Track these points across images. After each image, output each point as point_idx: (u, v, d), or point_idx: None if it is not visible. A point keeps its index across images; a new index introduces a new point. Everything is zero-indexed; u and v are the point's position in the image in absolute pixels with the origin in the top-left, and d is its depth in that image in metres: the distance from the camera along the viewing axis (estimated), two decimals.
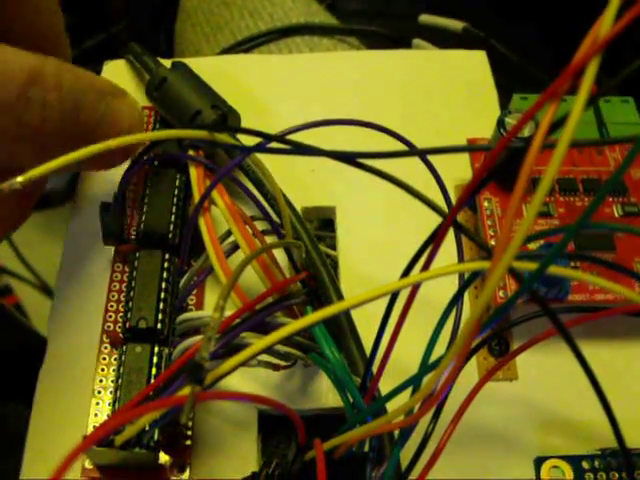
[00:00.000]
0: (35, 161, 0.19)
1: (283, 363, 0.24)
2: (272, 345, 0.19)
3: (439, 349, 0.21)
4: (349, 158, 0.19)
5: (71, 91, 0.22)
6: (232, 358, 0.19)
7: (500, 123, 0.26)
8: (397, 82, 0.32)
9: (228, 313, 0.22)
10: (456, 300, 0.20)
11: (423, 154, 0.20)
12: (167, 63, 0.30)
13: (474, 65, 0.32)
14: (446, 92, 0.32)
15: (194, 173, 0.24)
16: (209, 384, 0.19)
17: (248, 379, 0.26)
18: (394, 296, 0.21)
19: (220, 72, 0.32)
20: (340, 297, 0.25)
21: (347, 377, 0.22)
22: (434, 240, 0.19)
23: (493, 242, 0.26)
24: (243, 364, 0.22)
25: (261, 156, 0.25)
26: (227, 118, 0.28)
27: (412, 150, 0.20)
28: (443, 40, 0.35)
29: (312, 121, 0.22)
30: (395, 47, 0.33)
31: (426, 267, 0.19)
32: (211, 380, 0.19)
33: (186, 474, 0.25)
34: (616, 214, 0.27)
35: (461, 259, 0.22)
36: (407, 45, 0.35)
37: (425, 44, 0.34)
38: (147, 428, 0.22)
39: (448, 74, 0.32)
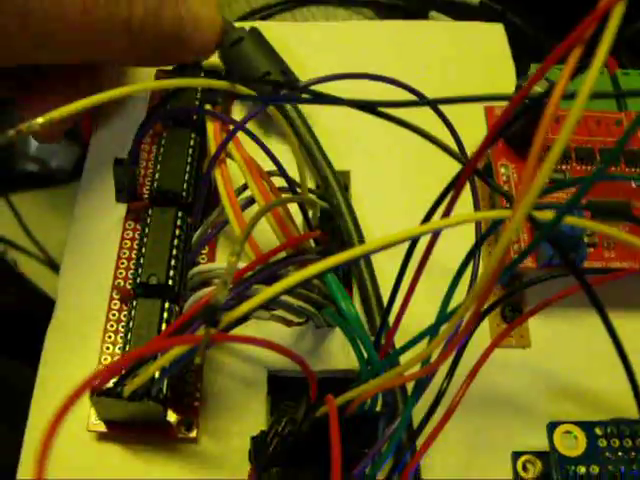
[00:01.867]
0: (127, 61, 0.22)
1: (296, 319, 0.24)
2: (288, 290, 0.18)
3: (455, 305, 0.20)
4: (370, 107, 0.19)
5: None
6: (246, 302, 0.19)
7: (518, 89, 0.26)
8: (414, 53, 0.32)
9: (242, 265, 0.22)
10: (473, 253, 0.20)
11: (435, 104, 0.20)
12: None
13: (491, 38, 0.32)
14: (463, 64, 0.32)
15: (211, 127, 0.24)
16: (224, 327, 0.19)
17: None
18: (411, 249, 0.21)
19: None
20: None
21: (361, 331, 0.21)
22: (455, 187, 0.19)
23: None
24: (256, 316, 0.23)
25: None
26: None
27: (424, 100, 0.20)
28: (459, 13, 0.35)
29: (331, 74, 0.22)
30: (411, 20, 0.33)
31: (447, 214, 0.19)
32: (226, 323, 0.19)
33: (194, 432, 0.24)
34: (633, 185, 0.27)
35: (477, 209, 0.21)
36: (424, 18, 0.35)
37: (442, 17, 0.34)
38: (157, 376, 0.21)
39: (465, 46, 0.32)
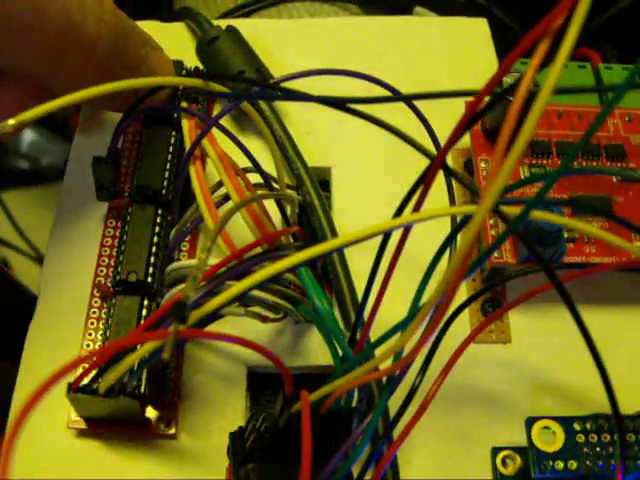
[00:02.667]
0: (88, 79, 0.21)
1: (272, 315, 0.24)
2: (257, 285, 0.18)
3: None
4: (339, 103, 0.19)
5: (123, 24, 0.24)
6: (216, 298, 0.19)
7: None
8: (398, 48, 0.32)
9: (215, 261, 0.22)
10: (449, 242, 0.20)
11: (409, 99, 0.20)
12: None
13: (475, 33, 0.32)
14: (447, 59, 0.32)
15: (186, 124, 0.24)
16: (196, 324, 0.19)
17: (237, 334, 0.25)
18: (383, 244, 0.21)
19: None
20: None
21: (335, 327, 0.21)
22: (423, 181, 0.19)
23: None
24: (231, 312, 0.23)
25: None
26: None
27: (399, 95, 0.20)
28: (444, 8, 0.34)
29: (305, 70, 0.22)
30: (396, 15, 0.33)
31: (417, 209, 0.19)
32: (196, 319, 0.19)
33: (173, 429, 0.24)
34: (614, 179, 0.27)
35: (452, 204, 0.21)
36: (409, 13, 0.35)
37: (427, 12, 0.34)
38: (135, 368, 0.21)
39: (449, 41, 0.32)
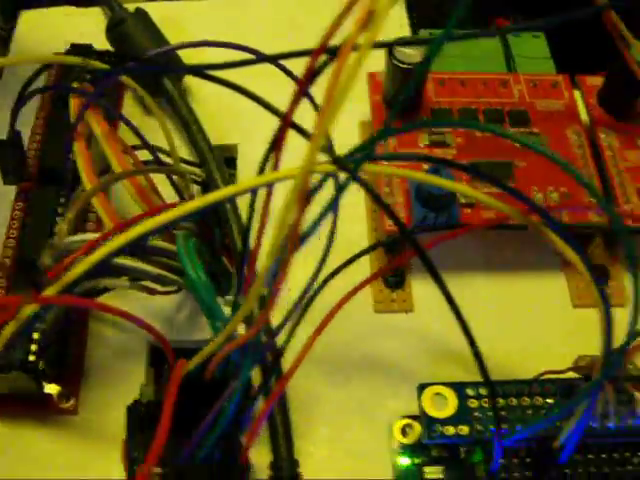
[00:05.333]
0: None
1: (160, 288, 0.24)
2: (125, 245, 0.18)
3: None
4: (198, 70, 0.19)
5: None
6: (80, 263, 0.19)
7: (390, 51, 0.26)
8: (306, 21, 0.32)
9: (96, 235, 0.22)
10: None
11: (274, 60, 0.20)
12: None
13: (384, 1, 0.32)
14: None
15: (72, 103, 0.24)
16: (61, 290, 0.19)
17: (138, 307, 0.25)
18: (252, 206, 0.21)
19: None
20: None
21: (209, 297, 0.21)
22: (276, 144, 0.19)
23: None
24: (116, 284, 0.23)
25: None
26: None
27: (263, 56, 0.20)
28: None
29: (178, 43, 0.22)
30: None
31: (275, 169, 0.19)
32: (60, 287, 0.19)
33: (73, 403, 0.25)
34: (518, 145, 0.27)
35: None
36: None
37: None
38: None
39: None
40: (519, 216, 0.18)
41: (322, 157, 0.19)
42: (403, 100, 0.22)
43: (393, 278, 0.26)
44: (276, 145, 0.19)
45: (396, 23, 0.32)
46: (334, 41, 0.16)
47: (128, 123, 0.23)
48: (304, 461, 0.23)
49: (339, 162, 0.18)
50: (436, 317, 0.26)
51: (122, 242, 0.19)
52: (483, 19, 0.30)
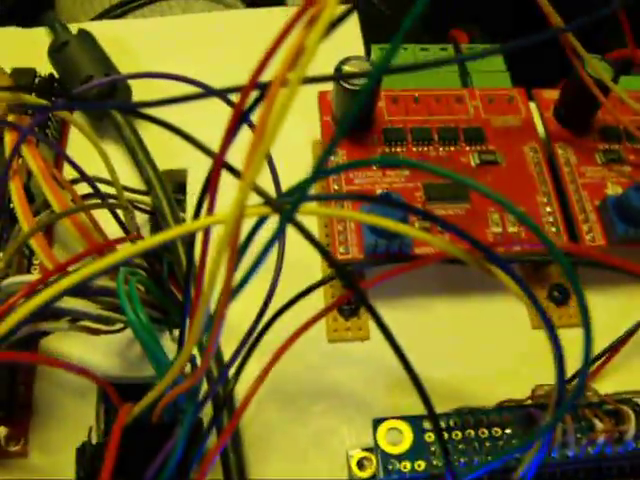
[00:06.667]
0: None
1: (104, 327, 0.23)
2: (65, 291, 0.18)
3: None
4: (131, 108, 0.18)
5: None
6: (18, 309, 0.18)
7: (337, 70, 0.25)
8: (266, 41, 0.31)
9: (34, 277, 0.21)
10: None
11: (221, 94, 0.19)
12: None
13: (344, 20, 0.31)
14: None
15: (7, 137, 0.23)
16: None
17: (89, 343, 0.25)
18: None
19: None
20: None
21: (150, 339, 0.21)
22: (209, 186, 0.18)
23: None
24: (55, 327, 0.22)
25: None
26: (116, 88, 0.27)
27: (210, 91, 0.19)
28: None
29: (109, 77, 0.21)
30: (271, 5, 0.32)
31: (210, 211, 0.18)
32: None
33: (23, 446, 0.24)
34: (473, 163, 0.26)
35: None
36: (283, 3, 0.34)
37: (298, 2, 0.33)
38: None
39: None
40: (460, 253, 0.18)
41: (257, 199, 0.18)
42: (351, 121, 0.21)
43: (348, 306, 0.25)
44: (210, 186, 0.18)
45: (349, 38, 0.31)
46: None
47: (67, 158, 0.22)
48: None
49: (272, 205, 0.17)
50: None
51: (63, 287, 0.18)
52: (439, 30, 0.30)
